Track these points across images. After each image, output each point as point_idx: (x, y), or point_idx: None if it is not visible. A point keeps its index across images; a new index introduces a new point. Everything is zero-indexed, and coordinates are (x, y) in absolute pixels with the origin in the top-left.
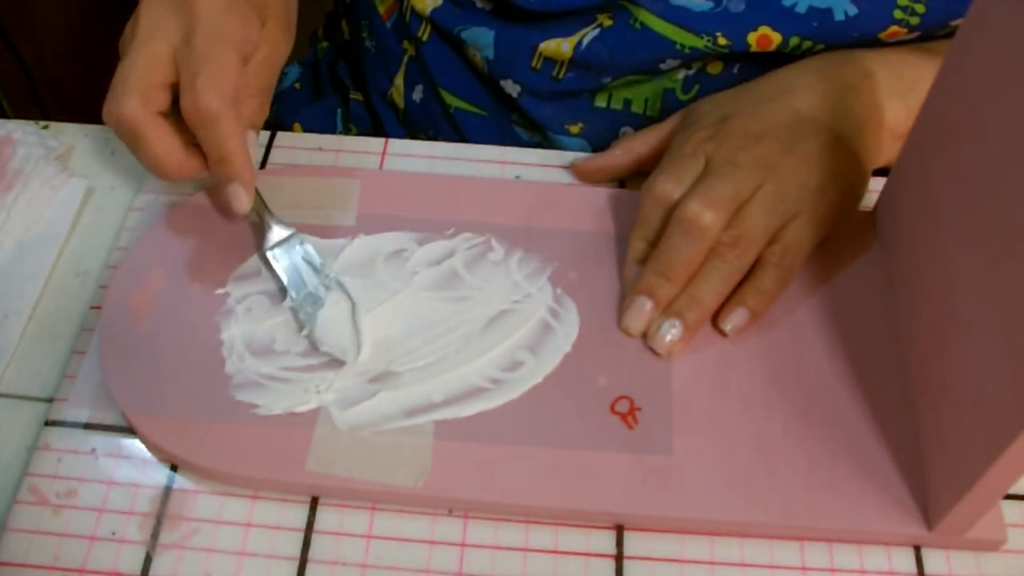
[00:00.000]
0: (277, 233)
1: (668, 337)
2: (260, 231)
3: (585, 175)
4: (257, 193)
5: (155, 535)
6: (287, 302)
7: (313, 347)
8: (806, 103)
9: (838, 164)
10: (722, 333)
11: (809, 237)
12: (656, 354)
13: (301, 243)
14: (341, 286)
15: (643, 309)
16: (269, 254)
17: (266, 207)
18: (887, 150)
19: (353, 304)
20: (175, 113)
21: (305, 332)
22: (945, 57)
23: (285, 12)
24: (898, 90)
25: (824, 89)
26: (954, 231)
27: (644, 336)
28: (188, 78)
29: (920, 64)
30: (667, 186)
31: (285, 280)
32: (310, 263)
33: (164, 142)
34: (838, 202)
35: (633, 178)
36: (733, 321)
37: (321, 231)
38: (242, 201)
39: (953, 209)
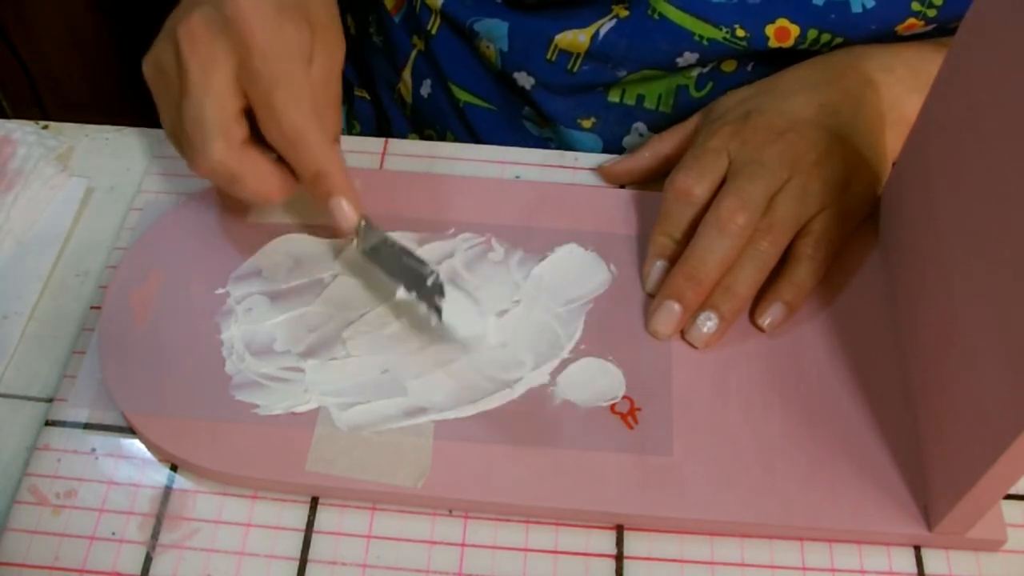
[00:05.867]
0: (375, 235)
1: (704, 329)
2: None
3: (613, 177)
4: None
5: (155, 535)
6: (401, 294)
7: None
8: (826, 98)
9: (860, 158)
10: (760, 329)
11: (838, 229)
12: (693, 347)
13: (394, 243)
14: (452, 281)
15: (672, 312)
16: (370, 255)
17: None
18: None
19: (470, 295)
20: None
21: (434, 323)
22: (945, 57)
23: (331, 14)
24: (916, 84)
25: (844, 84)
26: (954, 231)
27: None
28: (263, 102)
29: (937, 59)
30: (687, 180)
31: (397, 277)
32: (413, 258)
33: (262, 173)
34: (862, 194)
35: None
36: (771, 316)
37: (321, 231)
38: (349, 215)
39: (953, 209)
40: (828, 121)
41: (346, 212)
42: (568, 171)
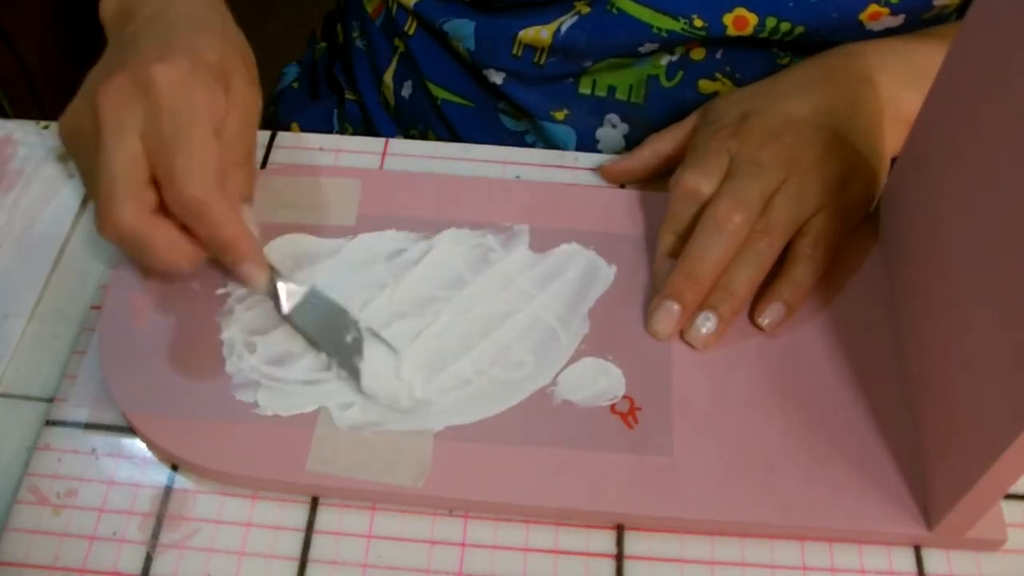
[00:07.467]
0: (293, 293)
1: (703, 330)
2: (274, 295)
3: (613, 177)
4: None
5: (155, 535)
6: (322, 358)
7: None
8: (822, 98)
9: (858, 156)
10: (759, 329)
11: (836, 229)
12: (692, 347)
13: (318, 296)
14: (373, 333)
15: (671, 312)
16: (290, 317)
17: (275, 270)
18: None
19: (393, 349)
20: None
21: (360, 386)
22: (945, 56)
23: (248, 66)
24: (912, 79)
25: (840, 83)
26: (954, 230)
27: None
28: (164, 169)
29: (931, 51)
30: (695, 179)
31: (317, 342)
32: (336, 313)
33: (171, 242)
34: (861, 193)
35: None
36: (770, 316)
37: (321, 231)
38: (259, 280)
39: (953, 208)
40: (825, 121)
41: (254, 278)
42: (568, 171)
